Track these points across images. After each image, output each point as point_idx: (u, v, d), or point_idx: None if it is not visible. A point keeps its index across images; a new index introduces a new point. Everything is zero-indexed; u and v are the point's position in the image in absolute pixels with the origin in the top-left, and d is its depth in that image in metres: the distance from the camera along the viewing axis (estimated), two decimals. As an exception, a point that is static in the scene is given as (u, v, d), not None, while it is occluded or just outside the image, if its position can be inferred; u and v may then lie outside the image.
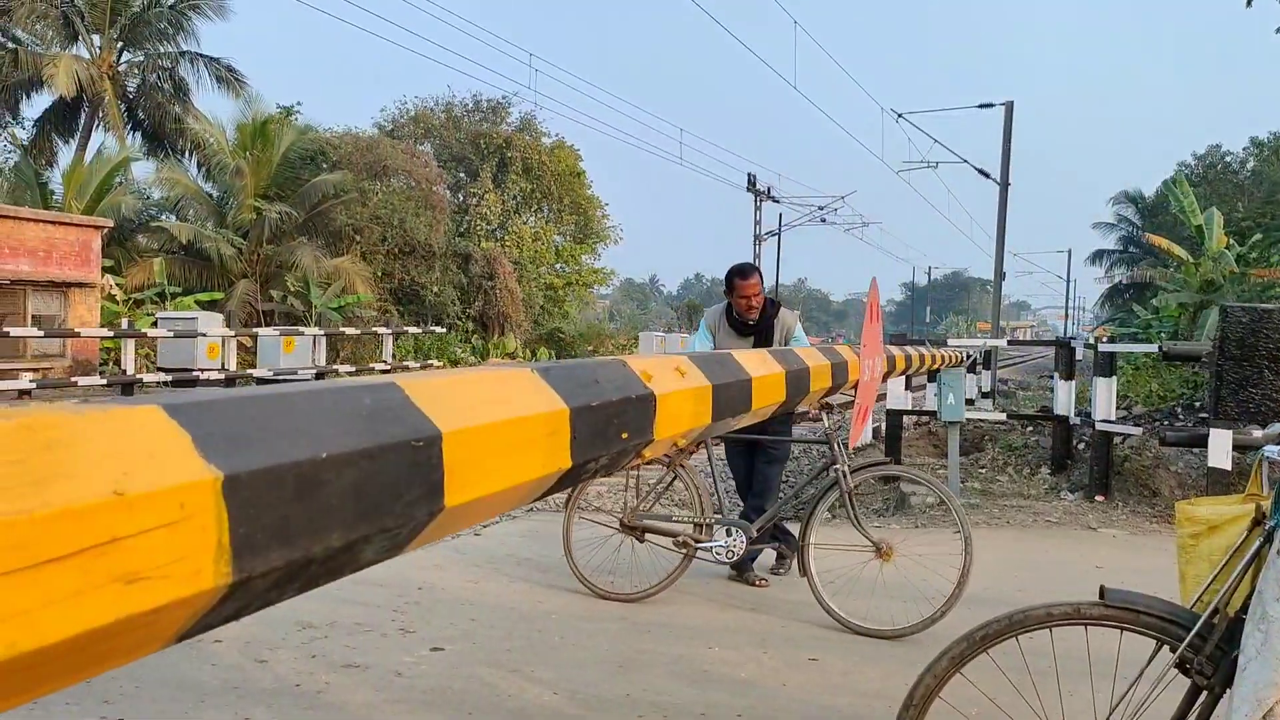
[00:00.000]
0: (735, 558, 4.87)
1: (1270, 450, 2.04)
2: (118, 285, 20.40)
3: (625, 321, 52.59)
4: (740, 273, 5.40)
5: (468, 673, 3.76)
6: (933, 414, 9.01)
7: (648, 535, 5.05)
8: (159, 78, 27.29)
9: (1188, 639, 1.96)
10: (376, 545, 1.04)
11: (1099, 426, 7.75)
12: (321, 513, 0.90)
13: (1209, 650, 1.95)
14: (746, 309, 5.40)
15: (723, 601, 4.94)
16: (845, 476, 4.63)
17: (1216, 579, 2.03)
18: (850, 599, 4.55)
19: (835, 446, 4.71)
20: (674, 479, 5.13)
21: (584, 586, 5.02)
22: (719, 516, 5.01)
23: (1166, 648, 2.02)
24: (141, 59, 27.49)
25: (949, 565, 4.40)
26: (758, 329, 5.45)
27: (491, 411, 1.25)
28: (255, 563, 0.82)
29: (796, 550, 4.79)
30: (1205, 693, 1.97)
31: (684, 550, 4.88)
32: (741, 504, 5.65)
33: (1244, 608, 1.92)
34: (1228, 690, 1.90)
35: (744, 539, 4.80)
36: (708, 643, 4.24)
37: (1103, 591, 2.06)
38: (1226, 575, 2.00)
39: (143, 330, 15.88)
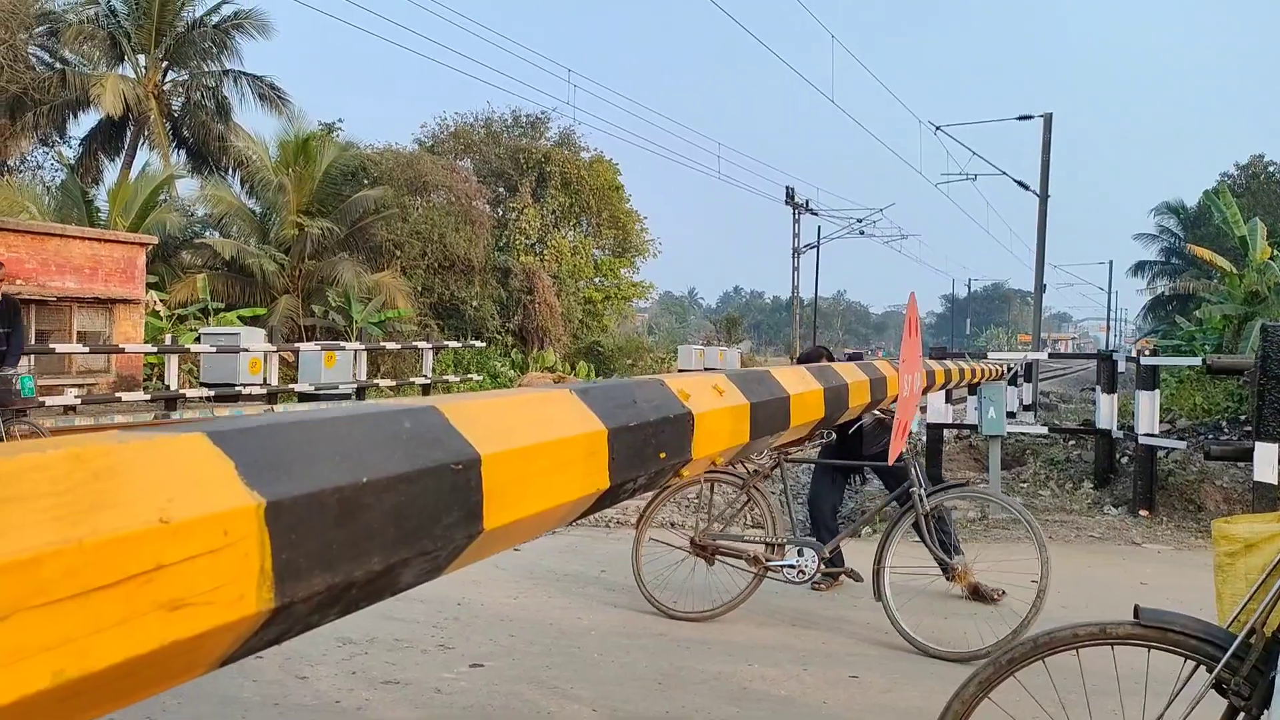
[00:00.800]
0: (807, 578, 4.81)
1: None
2: (162, 301, 20.79)
3: (664, 335, 52.59)
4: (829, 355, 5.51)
5: (507, 690, 3.77)
6: (973, 428, 8.89)
7: (718, 555, 5.00)
8: (203, 96, 27.84)
9: (1224, 659, 1.92)
10: (416, 568, 1.04)
11: (1142, 440, 7.61)
12: (362, 537, 0.90)
13: (1246, 671, 1.91)
14: None
15: (762, 618, 4.90)
16: (922, 500, 4.57)
17: (1253, 598, 2.00)
18: (924, 620, 4.51)
19: (913, 469, 4.67)
20: (747, 499, 5.06)
21: (652, 606, 4.96)
22: (790, 536, 4.93)
23: (1204, 668, 1.98)
24: (186, 78, 28.07)
25: (1023, 584, 4.36)
26: None
27: (530, 434, 1.25)
28: (297, 588, 0.83)
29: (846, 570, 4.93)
30: (1244, 714, 1.93)
31: (755, 570, 4.82)
32: (809, 523, 5.61)
33: None
34: (1265, 712, 1.86)
35: (816, 559, 4.75)
36: (747, 660, 4.21)
37: (1137, 611, 2.03)
38: (1263, 594, 1.97)
39: (186, 346, 16.15)
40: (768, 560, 4.78)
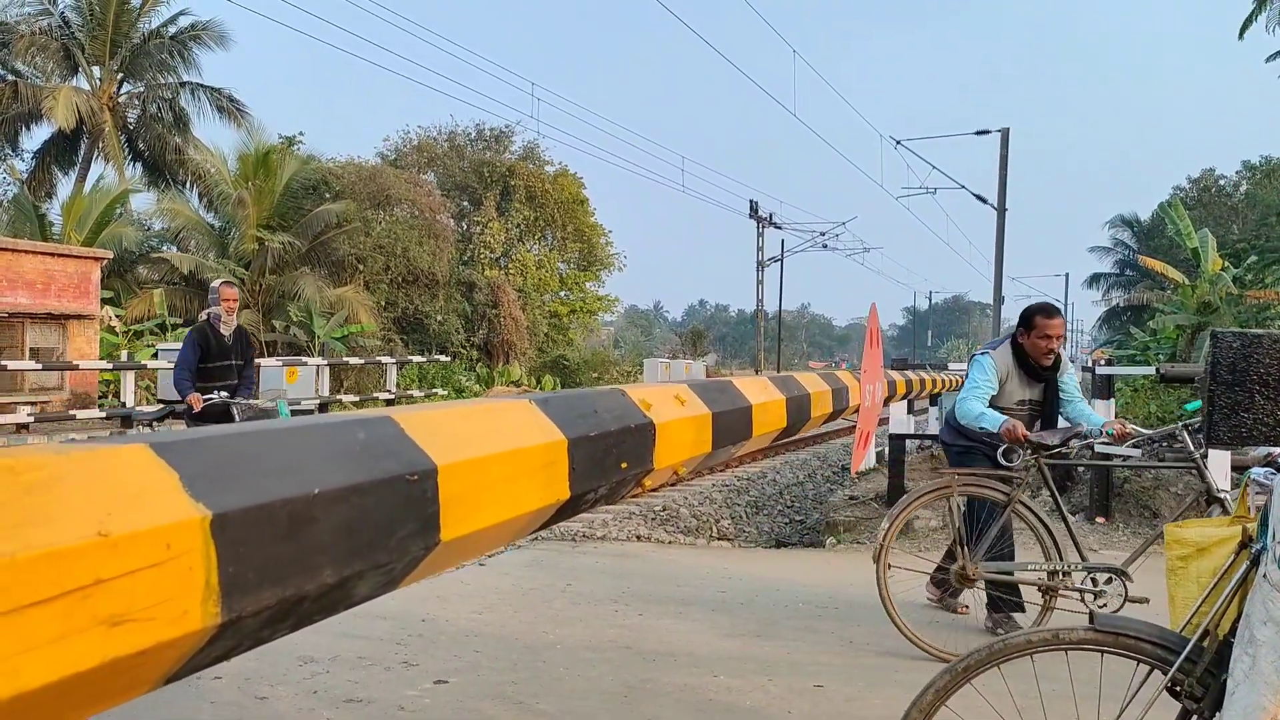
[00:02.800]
0: (1116, 609, 4.16)
1: (1256, 473, 2.03)
2: (117, 317, 20.43)
3: (630, 348, 52.61)
4: (1045, 311, 4.84)
5: (472, 706, 3.72)
6: (935, 438, 8.97)
7: (987, 585, 4.60)
8: (159, 108, 27.46)
9: (1177, 663, 1.94)
10: (371, 581, 1.02)
11: (1096, 449, 7.73)
12: (313, 550, 0.89)
13: (1199, 673, 1.94)
14: (1045, 352, 4.82)
15: (726, 629, 4.89)
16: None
17: (1205, 602, 2.02)
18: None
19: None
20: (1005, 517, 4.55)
21: (913, 645, 4.42)
22: (1082, 562, 4.45)
23: (1158, 672, 2.00)
24: (142, 90, 27.68)
25: None
26: (1048, 376, 4.90)
27: (489, 444, 1.24)
28: (245, 602, 0.81)
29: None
30: (1197, 716, 1.96)
31: (1045, 599, 4.42)
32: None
33: (1233, 630, 1.90)
34: (1218, 714, 1.88)
35: (1123, 587, 4.22)
36: (713, 671, 4.19)
37: (1092, 616, 2.04)
38: (1215, 598, 1.99)
39: (142, 362, 15.88)
40: (1059, 590, 4.34)
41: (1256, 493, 2.16)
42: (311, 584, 0.87)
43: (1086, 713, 2.06)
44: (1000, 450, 4.62)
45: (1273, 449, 2.19)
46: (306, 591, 0.87)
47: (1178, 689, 1.96)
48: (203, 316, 6.98)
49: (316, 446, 0.93)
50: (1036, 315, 4.82)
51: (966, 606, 5.11)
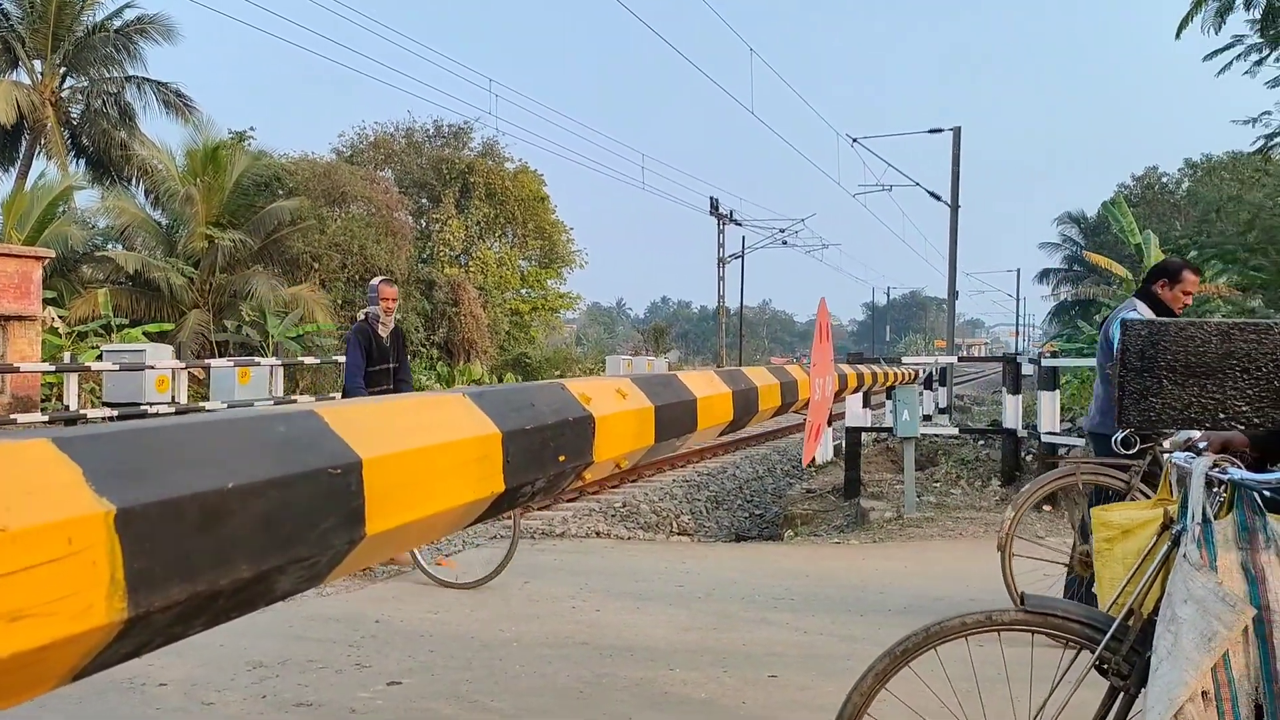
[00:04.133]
0: None
1: (1176, 456, 2.09)
2: (60, 318, 19.94)
3: (592, 345, 52.53)
4: (1191, 266, 4.86)
5: (425, 706, 3.70)
6: (890, 430, 9.09)
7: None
8: (104, 103, 26.83)
9: (1104, 641, 1.99)
10: (292, 576, 1.01)
11: (1044, 439, 7.89)
12: (228, 544, 0.87)
13: (1125, 652, 1.98)
14: (1183, 308, 4.87)
15: (684, 623, 4.91)
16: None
17: (1130, 582, 2.07)
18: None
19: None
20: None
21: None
22: None
23: (1086, 651, 2.05)
24: (86, 84, 27.06)
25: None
26: None
27: (418, 437, 1.23)
28: (153, 597, 0.79)
29: None
30: (1123, 693, 2.00)
31: None
32: None
33: (1157, 609, 1.95)
34: (1143, 690, 1.92)
35: None
36: (669, 664, 4.21)
37: (1023, 598, 2.09)
38: (1139, 578, 2.04)
39: (87, 364, 15.55)
40: None
41: (1177, 476, 2.23)
42: (226, 579, 0.86)
43: (1020, 693, 2.10)
44: (1117, 437, 4.53)
45: (1192, 433, 2.25)
46: (221, 587, 0.85)
47: (1105, 667, 2.02)
48: (360, 316, 6.63)
49: (233, 440, 0.91)
50: (1185, 270, 4.80)
51: None
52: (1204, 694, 1.81)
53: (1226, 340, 1.84)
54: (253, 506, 0.90)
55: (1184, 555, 1.88)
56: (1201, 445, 2.15)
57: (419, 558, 5.69)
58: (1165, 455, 2.12)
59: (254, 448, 0.94)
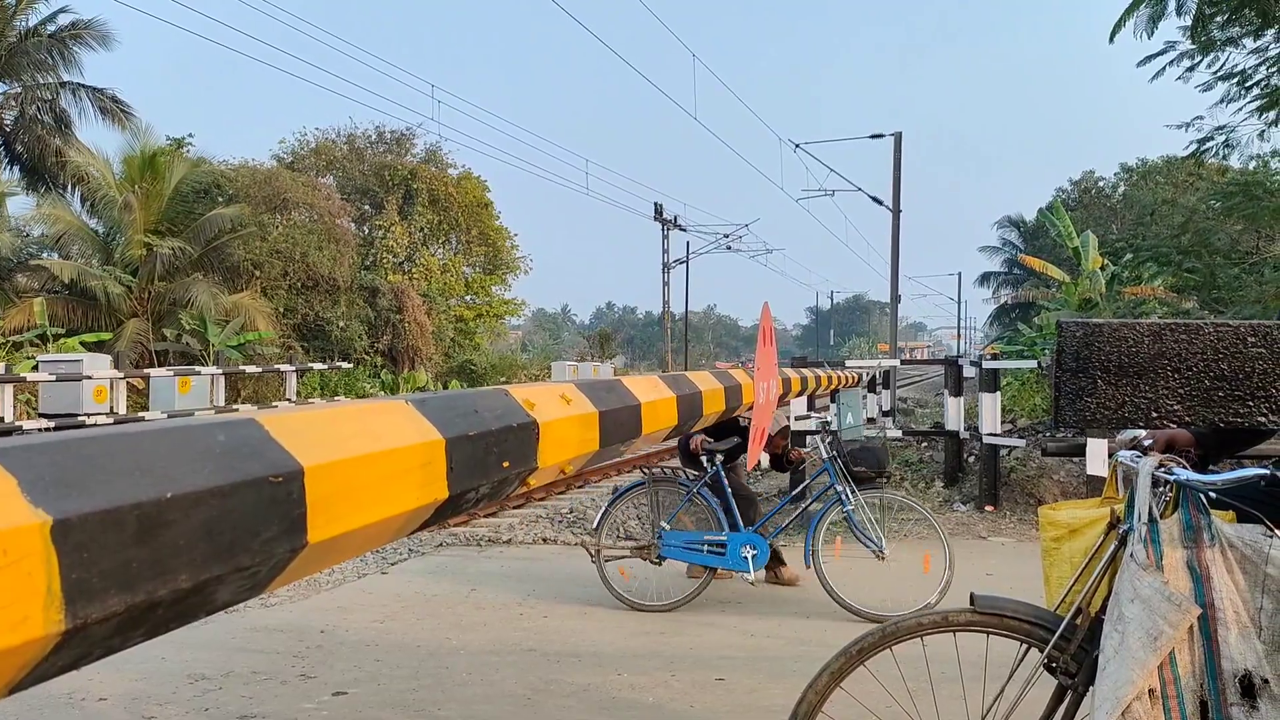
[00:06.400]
0: None
1: (1123, 455, 2.13)
2: (-5, 328, 19.38)
3: (538, 352, 52.29)
4: None
5: (371, 716, 3.67)
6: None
7: None
8: (38, 109, 26.13)
9: (1053, 640, 2.02)
10: (233, 585, 1.01)
11: (986, 440, 8.05)
12: (167, 554, 0.87)
13: (1073, 650, 2.01)
14: None
15: (632, 628, 4.93)
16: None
17: (1078, 581, 2.09)
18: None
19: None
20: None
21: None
22: None
23: (1035, 650, 2.08)
24: (19, 90, 26.33)
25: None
26: None
27: (360, 444, 1.23)
28: (91, 608, 0.79)
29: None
30: (1071, 691, 2.03)
31: None
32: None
33: (1104, 608, 1.98)
34: (1092, 688, 1.95)
35: None
36: (616, 669, 4.22)
37: (973, 598, 2.12)
38: (1087, 577, 2.06)
39: (22, 375, 15.12)
40: None
41: (1123, 476, 2.26)
42: (165, 589, 0.86)
43: (973, 692, 2.14)
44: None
45: (1138, 433, 2.29)
46: (160, 597, 0.85)
47: (1054, 665, 2.04)
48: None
49: (171, 449, 0.91)
50: None
51: None
52: (1151, 692, 1.83)
53: (1158, 340, 1.89)
54: (193, 516, 0.90)
55: (1131, 555, 1.90)
56: (1146, 443, 2.20)
57: (609, 578, 5.42)
58: (1114, 455, 2.16)
59: (194, 456, 0.94)
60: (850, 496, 5.33)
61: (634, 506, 5.70)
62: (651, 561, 5.44)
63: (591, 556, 5.54)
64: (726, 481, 5.54)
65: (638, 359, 79.20)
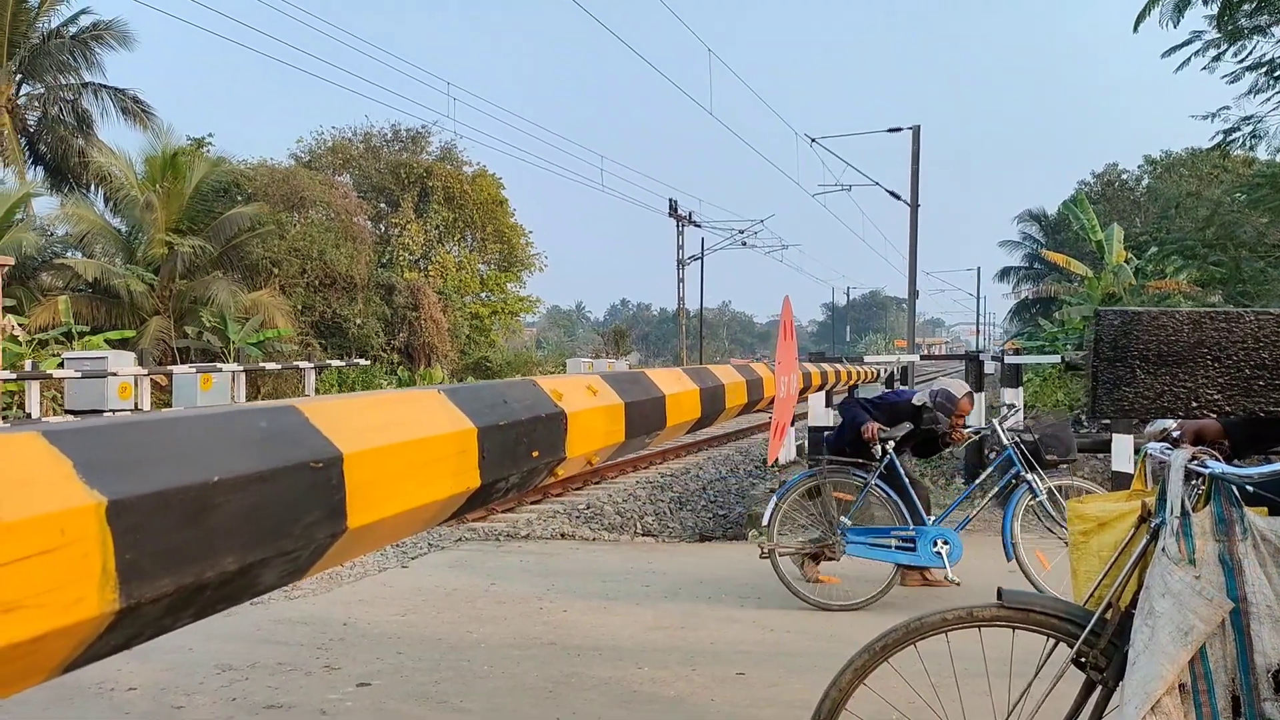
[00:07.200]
0: None
1: (1153, 447, 2.09)
2: (20, 326, 19.60)
3: (553, 349, 52.40)
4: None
5: (394, 707, 3.69)
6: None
7: None
8: (61, 110, 26.40)
9: (1083, 636, 1.99)
10: (276, 569, 1.03)
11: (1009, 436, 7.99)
12: (214, 537, 0.89)
13: (1103, 645, 1.99)
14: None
15: (650, 623, 4.94)
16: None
17: (1107, 575, 2.07)
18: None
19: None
20: None
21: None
22: None
23: (1063, 645, 2.06)
24: (42, 91, 26.59)
25: None
26: None
27: (396, 432, 1.25)
28: (144, 589, 0.81)
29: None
30: (1100, 687, 2.01)
31: None
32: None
33: (1134, 602, 1.95)
34: (1120, 683, 1.93)
35: None
36: (637, 663, 4.24)
37: (1000, 593, 2.10)
38: (1117, 571, 2.04)
39: (48, 372, 15.28)
40: None
41: (1154, 468, 2.23)
42: (213, 571, 0.87)
43: (1000, 687, 2.13)
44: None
45: (1167, 424, 2.26)
46: (208, 579, 0.87)
47: (1083, 661, 2.00)
48: (917, 401, 5.86)
49: (216, 435, 0.93)
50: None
51: None
52: (1181, 687, 1.81)
53: (1198, 329, 1.86)
54: (237, 500, 0.92)
55: (1162, 549, 1.88)
56: (1175, 434, 2.17)
57: (787, 578, 5.22)
58: (1143, 447, 2.13)
59: (237, 442, 0.96)
60: (1039, 484, 5.11)
61: (801, 500, 5.45)
62: (832, 559, 5.21)
63: (762, 554, 5.26)
64: (903, 471, 5.27)
65: (652, 356, 79.19)
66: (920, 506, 5.17)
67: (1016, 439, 5.22)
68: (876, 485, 5.18)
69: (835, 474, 5.29)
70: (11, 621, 0.69)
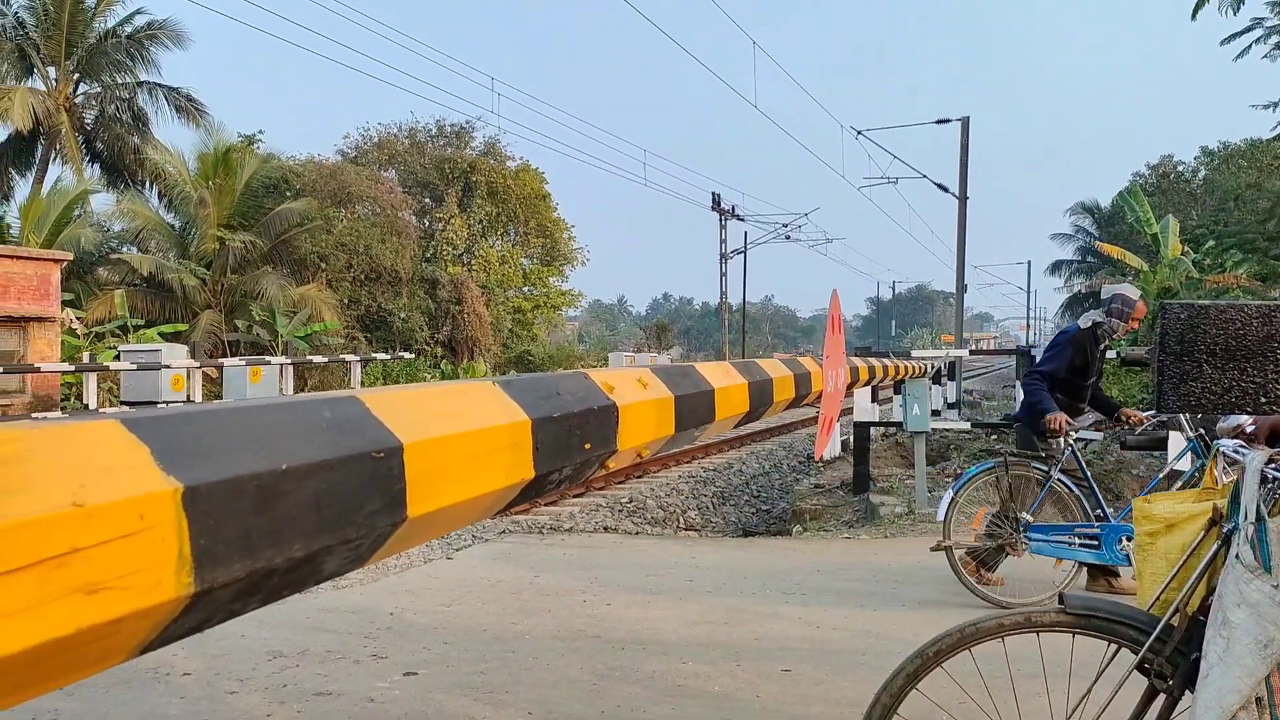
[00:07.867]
0: None
1: (1225, 444, 2.01)
2: (78, 319, 20.12)
3: (595, 343, 52.58)
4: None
5: (441, 697, 3.74)
6: (899, 425, 9.09)
7: None
8: (117, 109, 27.02)
9: (1149, 642, 1.92)
10: (339, 556, 1.05)
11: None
12: (283, 523, 0.91)
13: (1168, 653, 1.91)
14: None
15: (695, 617, 4.94)
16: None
17: (1175, 579, 2.00)
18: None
19: None
20: None
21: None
22: None
23: (1126, 650, 1.99)
24: (99, 90, 27.23)
25: None
26: None
27: (453, 423, 1.26)
28: (217, 573, 0.83)
29: None
30: (1165, 695, 1.93)
31: None
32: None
33: (1202, 608, 1.88)
34: (1187, 691, 1.86)
35: None
36: (682, 658, 4.24)
37: (1061, 597, 2.02)
38: (1185, 576, 1.96)
39: (105, 364, 15.66)
40: None
41: (1225, 467, 2.14)
42: (281, 557, 0.89)
43: (1057, 693, 2.07)
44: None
45: (1241, 419, 2.17)
46: (276, 565, 0.89)
47: (1147, 667, 1.93)
48: (1085, 324, 5.65)
49: (283, 424, 0.95)
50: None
51: None
52: (1258, 700, 1.74)
53: (1268, 322, 1.80)
54: (305, 487, 0.93)
55: (1236, 556, 1.80)
56: (1250, 429, 2.09)
57: (963, 574, 5.07)
58: (1214, 443, 2.04)
59: (304, 431, 0.97)
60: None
61: (977, 492, 5.24)
62: (1014, 556, 4.98)
63: (936, 547, 5.09)
64: (1085, 464, 5.01)
65: (694, 350, 79.09)
66: (1102, 502, 4.94)
67: (1202, 430, 4.94)
68: (1059, 480, 4.94)
69: (1015, 466, 5.04)
70: (94, 603, 0.71)
